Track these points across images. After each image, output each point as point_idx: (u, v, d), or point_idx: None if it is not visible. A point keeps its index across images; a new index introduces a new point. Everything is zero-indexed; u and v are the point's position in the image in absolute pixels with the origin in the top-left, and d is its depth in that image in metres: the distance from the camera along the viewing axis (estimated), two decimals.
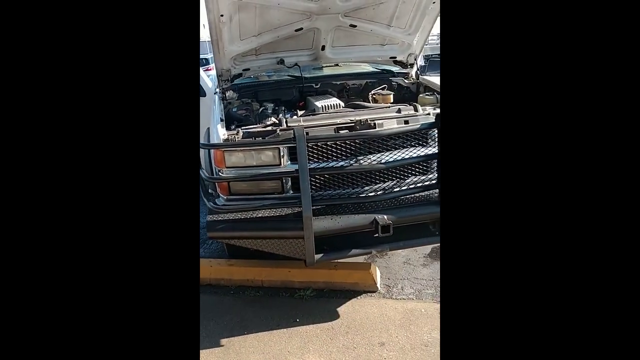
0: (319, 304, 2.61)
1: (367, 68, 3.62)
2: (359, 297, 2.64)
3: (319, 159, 2.32)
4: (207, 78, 4.15)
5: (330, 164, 2.31)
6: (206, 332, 2.41)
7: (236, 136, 2.37)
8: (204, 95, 3.79)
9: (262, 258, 2.73)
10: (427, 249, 3.12)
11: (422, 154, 2.39)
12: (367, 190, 2.38)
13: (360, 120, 2.37)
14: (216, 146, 2.32)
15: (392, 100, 3.01)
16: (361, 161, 2.34)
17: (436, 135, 2.38)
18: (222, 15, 2.56)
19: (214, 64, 3.02)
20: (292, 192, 2.34)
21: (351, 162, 2.33)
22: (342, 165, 2.30)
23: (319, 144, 2.30)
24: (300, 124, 2.44)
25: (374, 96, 3.10)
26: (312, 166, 2.24)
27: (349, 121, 2.40)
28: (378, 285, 2.71)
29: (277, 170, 2.30)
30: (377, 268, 2.83)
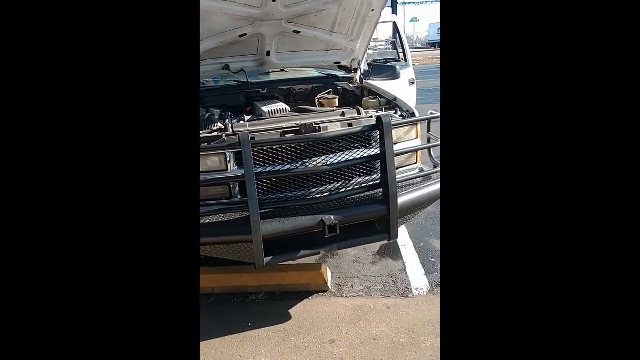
0: (271, 306, 2.63)
1: (313, 73, 3.68)
2: (310, 298, 2.69)
3: (265, 163, 2.35)
4: None
5: (277, 168, 2.35)
6: None
7: None
8: None
9: (212, 265, 2.71)
10: (376, 246, 3.23)
11: (366, 155, 2.48)
12: (314, 192, 2.43)
13: (306, 124, 2.43)
14: None
15: (337, 104, 3.10)
16: (307, 164, 2.39)
17: (378, 137, 2.48)
18: None
19: None
20: (240, 196, 2.35)
21: (297, 165, 2.37)
22: (288, 169, 2.34)
23: (264, 148, 2.32)
24: (246, 129, 2.46)
25: (320, 100, 3.17)
26: (258, 170, 2.26)
27: (295, 125, 2.45)
28: (329, 284, 2.77)
29: (223, 175, 2.31)
30: (327, 268, 2.89)
